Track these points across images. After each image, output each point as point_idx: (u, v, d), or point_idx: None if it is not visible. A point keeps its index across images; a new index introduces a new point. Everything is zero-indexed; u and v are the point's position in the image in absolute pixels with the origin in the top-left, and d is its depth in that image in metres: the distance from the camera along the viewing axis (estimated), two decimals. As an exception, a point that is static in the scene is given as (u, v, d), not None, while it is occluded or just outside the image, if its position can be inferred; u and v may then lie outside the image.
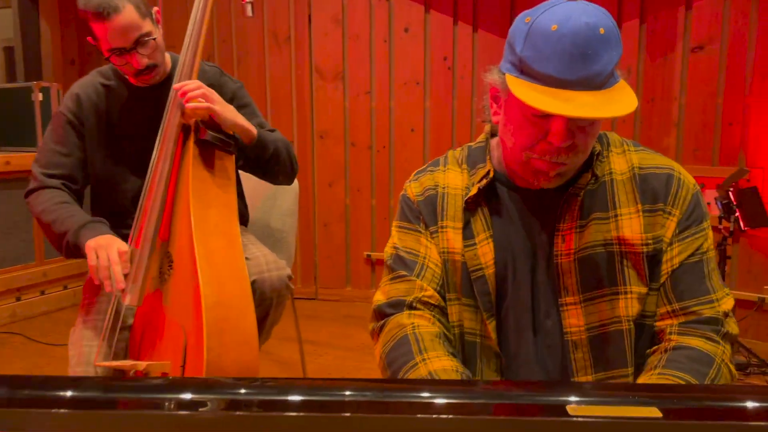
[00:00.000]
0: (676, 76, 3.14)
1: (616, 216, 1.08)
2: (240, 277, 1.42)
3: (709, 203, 3.04)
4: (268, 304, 1.52)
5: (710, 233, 1.11)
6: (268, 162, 1.66)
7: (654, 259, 1.07)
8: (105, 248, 1.42)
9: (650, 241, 1.07)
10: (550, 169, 1.02)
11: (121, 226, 1.65)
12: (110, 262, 1.39)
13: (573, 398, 0.62)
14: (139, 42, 1.59)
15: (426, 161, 3.81)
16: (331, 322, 3.53)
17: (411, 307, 1.11)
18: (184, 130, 1.52)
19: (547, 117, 0.98)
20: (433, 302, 1.12)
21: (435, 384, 0.86)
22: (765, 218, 2.54)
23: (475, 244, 1.11)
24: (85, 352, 1.46)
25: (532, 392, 0.68)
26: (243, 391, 0.60)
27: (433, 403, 0.60)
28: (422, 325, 1.09)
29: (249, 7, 1.90)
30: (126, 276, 1.41)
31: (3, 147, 3.65)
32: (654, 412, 0.59)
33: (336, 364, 3.02)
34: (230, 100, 1.71)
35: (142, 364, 1.39)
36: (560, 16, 0.94)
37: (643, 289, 1.07)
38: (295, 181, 2.01)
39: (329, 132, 3.81)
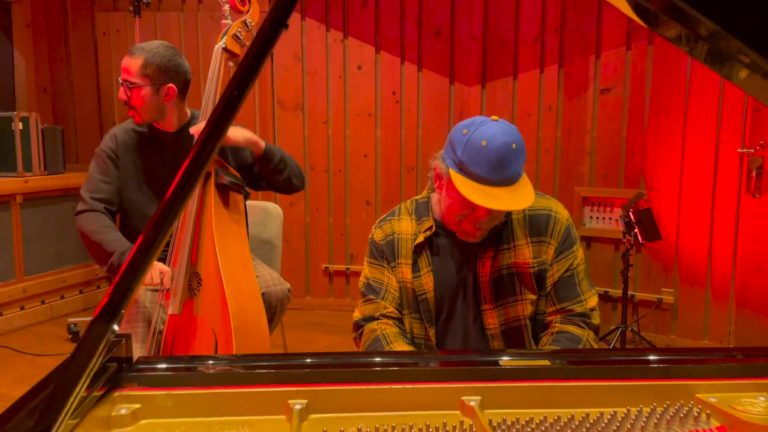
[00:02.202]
0: (588, 113, 3.73)
1: (514, 246, 1.57)
2: (254, 291, 1.84)
3: (617, 220, 3.65)
4: (273, 311, 1.95)
5: (580, 253, 1.62)
6: (278, 166, 2.08)
7: (540, 276, 1.57)
8: (151, 269, 1.82)
9: (536, 264, 1.57)
10: (475, 231, 1.51)
11: None
12: (156, 278, 1.80)
13: (504, 358, 1.11)
14: (127, 82, 2.05)
15: (378, 184, 4.39)
16: (294, 328, 3.94)
17: (378, 319, 1.59)
18: (206, 176, 1.94)
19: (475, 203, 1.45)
20: (393, 316, 1.60)
21: (404, 354, 1.32)
22: (657, 234, 3.13)
23: (420, 275, 1.59)
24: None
25: (471, 354, 1.17)
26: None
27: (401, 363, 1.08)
28: (387, 329, 1.56)
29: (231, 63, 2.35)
30: (168, 291, 1.82)
31: (-15, 172, 3.90)
32: (545, 362, 1.08)
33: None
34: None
35: (183, 359, 1.79)
36: (488, 135, 1.41)
37: (534, 297, 1.57)
38: (279, 209, 2.44)
39: (290, 157, 4.24)
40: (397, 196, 4.14)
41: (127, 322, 1.93)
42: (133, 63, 2.05)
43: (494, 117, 1.48)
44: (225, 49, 2.09)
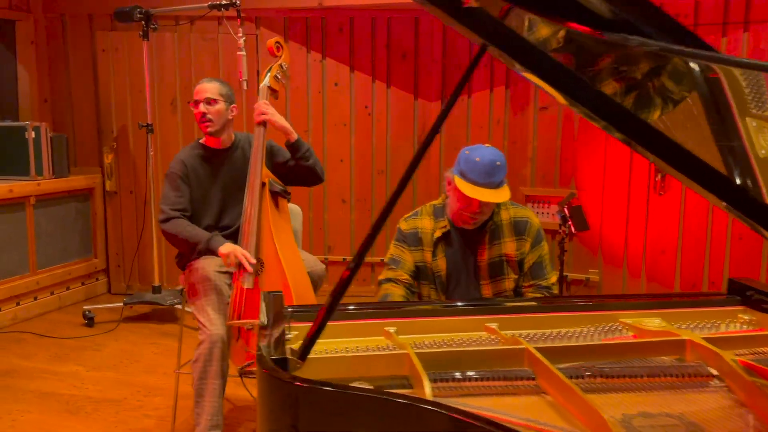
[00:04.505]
0: (530, 126, 4.51)
1: (503, 242, 2.29)
2: (304, 271, 2.49)
3: (554, 215, 4.45)
4: (315, 285, 2.59)
5: (546, 247, 2.35)
6: (305, 154, 2.74)
7: (520, 262, 2.31)
8: (234, 250, 2.46)
9: (518, 255, 2.30)
10: (470, 220, 2.23)
11: None
12: (239, 258, 2.44)
13: (508, 303, 1.82)
14: (207, 99, 2.68)
15: (352, 185, 5.13)
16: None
17: (393, 282, 2.28)
18: (262, 185, 2.57)
19: (471, 199, 2.16)
20: (403, 281, 2.28)
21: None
22: (586, 225, 3.94)
23: (437, 259, 2.30)
24: (213, 318, 2.46)
25: (487, 300, 1.91)
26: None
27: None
28: (395, 291, 2.25)
29: (244, 84, 3.03)
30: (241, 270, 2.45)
31: (1, 176, 4.32)
32: (533, 303, 1.79)
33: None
34: (269, 151, 2.78)
35: (255, 322, 2.41)
36: (481, 154, 2.13)
37: (515, 276, 2.30)
38: (299, 209, 3.08)
39: (274, 161, 4.85)
40: (369, 195, 4.82)
41: (204, 295, 2.52)
42: (211, 86, 2.72)
43: (487, 144, 2.20)
44: (269, 87, 2.71)
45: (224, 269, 2.61)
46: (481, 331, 1.70)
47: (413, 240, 2.32)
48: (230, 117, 2.78)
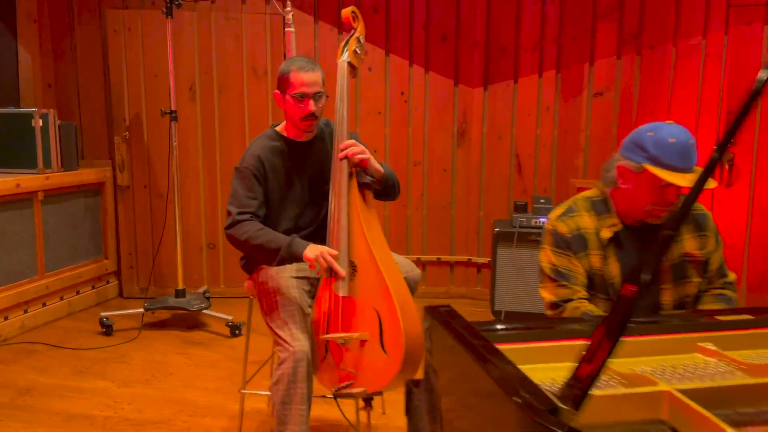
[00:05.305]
0: (583, 114, 4.21)
1: (683, 239, 1.93)
2: (399, 273, 2.13)
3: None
4: (410, 291, 2.24)
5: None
6: (390, 185, 2.38)
7: (706, 263, 1.95)
8: (321, 254, 2.09)
9: (703, 254, 1.94)
10: (662, 213, 1.86)
11: None
12: (329, 261, 2.07)
13: (719, 317, 1.50)
14: (318, 94, 2.26)
15: None
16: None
17: (574, 301, 1.89)
18: (349, 176, 2.21)
19: (666, 187, 1.80)
20: (584, 297, 1.91)
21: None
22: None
23: (608, 264, 1.92)
24: (296, 333, 2.10)
25: (697, 314, 1.57)
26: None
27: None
28: (588, 305, 1.87)
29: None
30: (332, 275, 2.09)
31: (6, 169, 3.87)
32: (748, 316, 1.47)
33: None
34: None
35: (354, 335, 2.06)
36: (673, 133, 1.78)
37: (699, 279, 1.95)
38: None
39: (302, 152, 4.47)
40: (404, 188, 4.47)
41: (282, 306, 2.16)
42: (317, 76, 2.28)
43: (669, 121, 1.86)
44: (349, 64, 2.34)
45: (302, 274, 2.26)
46: (693, 352, 1.38)
47: (579, 243, 1.93)
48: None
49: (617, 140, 4.16)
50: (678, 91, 3.97)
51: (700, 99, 3.91)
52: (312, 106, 2.27)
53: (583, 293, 1.91)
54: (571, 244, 1.93)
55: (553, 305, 1.94)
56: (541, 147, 4.32)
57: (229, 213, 2.27)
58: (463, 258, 4.56)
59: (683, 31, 3.95)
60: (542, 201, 3.89)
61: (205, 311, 3.94)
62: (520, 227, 3.80)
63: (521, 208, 3.91)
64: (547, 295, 1.96)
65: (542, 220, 3.79)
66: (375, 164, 2.30)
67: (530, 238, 3.76)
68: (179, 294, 3.97)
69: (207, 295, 4.25)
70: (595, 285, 1.94)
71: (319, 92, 2.29)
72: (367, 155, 2.25)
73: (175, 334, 3.88)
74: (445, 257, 4.56)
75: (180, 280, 4.00)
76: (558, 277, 1.93)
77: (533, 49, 4.24)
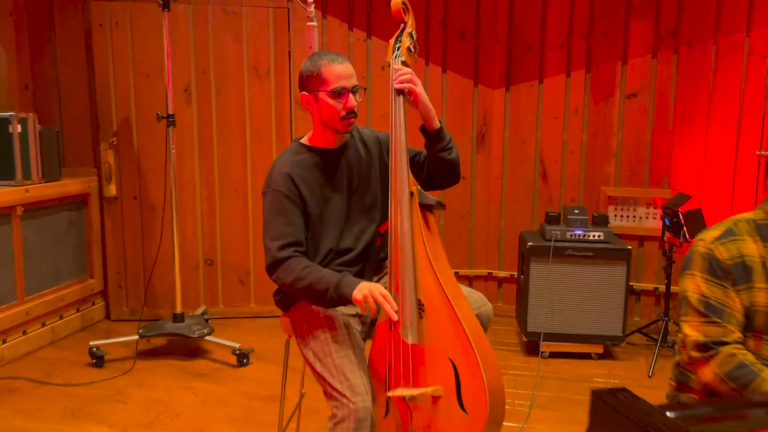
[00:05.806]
0: (614, 117, 3.92)
1: None
2: (472, 311, 1.79)
3: (640, 218, 3.89)
4: (484, 330, 1.90)
5: None
6: (447, 145, 2.07)
7: None
8: (371, 293, 1.73)
9: None
10: None
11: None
12: (381, 300, 1.71)
13: None
14: (356, 87, 1.94)
15: None
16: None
17: (729, 344, 1.56)
18: (410, 195, 1.85)
19: None
20: (740, 341, 1.58)
21: None
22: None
23: None
24: (357, 385, 1.74)
25: None
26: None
27: None
28: (748, 356, 1.55)
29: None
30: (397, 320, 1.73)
31: (-21, 181, 3.44)
32: None
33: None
34: (381, 146, 2.19)
35: (427, 390, 1.71)
36: None
37: None
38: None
39: (309, 159, 4.09)
40: (420, 197, 4.13)
41: (335, 350, 1.80)
42: (351, 68, 1.98)
43: None
44: (404, 63, 2.01)
45: (354, 311, 1.90)
46: None
47: (741, 274, 1.60)
48: None
49: (652, 146, 3.87)
50: (718, 93, 3.69)
51: (742, 101, 3.64)
52: (353, 100, 1.96)
53: (738, 335, 1.58)
54: (732, 274, 1.60)
55: (701, 346, 1.60)
56: (569, 152, 4.01)
57: (267, 249, 1.89)
58: (483, 272, 4.23)
59: (725, 27, 3.67)
60: (576, 212, 3.58)
61: (208, 338, 3.54)
62: (555, 241, 3.48)
63: (554, 220, 3.59)
64: (692, 332, 1.62)
65: (578, 232, 3.48)
66: (427, 100, 2.03)
67: (566, 253, 3.45)
68: (177, 318, 3.56)
69: (206, 317, 3.86)
70: (754, 326, 1.61)
71: (357, 85, 1.98)
72: (416, 84, 1.98)
73: (174, 364, 3.48)
74: (463, 271, 4.22)
75: (178, 303, 3.59)
76: (708, 312, 1.60)
77: (560, 46, 3.93)
